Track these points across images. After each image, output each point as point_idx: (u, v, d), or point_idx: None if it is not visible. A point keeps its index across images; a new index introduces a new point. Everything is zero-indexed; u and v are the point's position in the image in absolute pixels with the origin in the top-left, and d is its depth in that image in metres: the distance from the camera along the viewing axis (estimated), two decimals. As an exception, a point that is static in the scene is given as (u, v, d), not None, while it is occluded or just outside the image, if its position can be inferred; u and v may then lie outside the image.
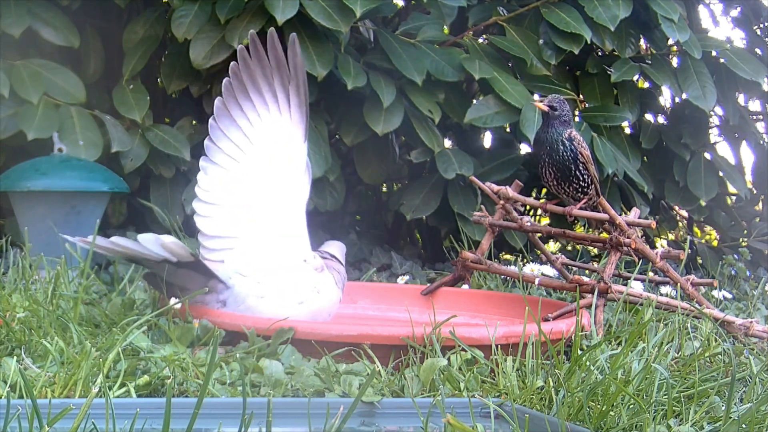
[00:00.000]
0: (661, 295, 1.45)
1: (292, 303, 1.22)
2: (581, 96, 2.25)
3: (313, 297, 1.25)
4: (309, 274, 1.27)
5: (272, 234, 1.27)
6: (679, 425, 0.84)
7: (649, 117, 2.50)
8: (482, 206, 1.57)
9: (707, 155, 2.39)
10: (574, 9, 2.08)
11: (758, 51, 2.59)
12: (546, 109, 1.37)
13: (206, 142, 1.28)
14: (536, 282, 1.46)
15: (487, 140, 2.46)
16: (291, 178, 1.29)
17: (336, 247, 1.35)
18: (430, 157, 2.10)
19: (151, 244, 1.12)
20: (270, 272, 1.24)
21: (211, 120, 1.28)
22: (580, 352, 0.97)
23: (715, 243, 2.71)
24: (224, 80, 1.28)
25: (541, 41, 2.11)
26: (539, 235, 1.54)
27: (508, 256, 2.30)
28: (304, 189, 1.31)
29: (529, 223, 1.47)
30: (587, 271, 1.59)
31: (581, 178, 1.38)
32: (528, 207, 2.17)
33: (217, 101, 1.28)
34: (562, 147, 1.37)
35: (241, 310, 1.20)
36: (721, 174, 2.40)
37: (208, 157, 1.28)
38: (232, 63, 1.28)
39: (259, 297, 1.21)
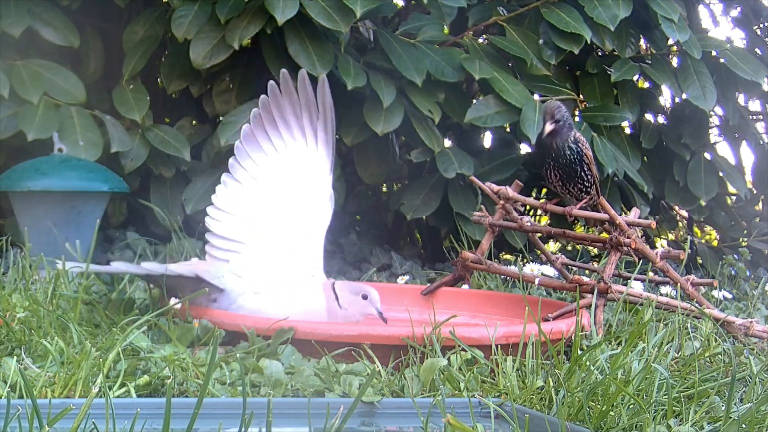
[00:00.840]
0: (661, 295, 1.45)
1: (284, 302, 1.22)
2: (581, 96, 2.25)
3: (308, 299, 1.25)
4: (309, 282, 1.27)
5: (280, 248, 1.29)
6: (679, 425, 0.84)
7: (649, 117, 2.50)
8: (482, 206, 1.57)
9: (707, 155, 2.39)
10: (574, 9, 2.08)
11: (758, 51, 2.59)
12: (551, 128, 1.38)
13: (230, 161, 1.32)
14: (536, 282, 1.46)
15: (487, 140, 2.46)
16: (311, 203, 1.32)
17: (346, 288, 1.31)
18: (430, 157, 2.10)
19: (131, 267, 1.21)
20: (268, 276, 1.25)
21: (237, 142, 1.32)
22: (580, 352, 0.97)
23: (715, 243, 2.71)
24: (253, 110, 1.32)
25: (541, 41, 2.11)
26: (539, 235, 1.54)
27: (508, 256, 2.30)
28: (325, 215, 1.33)
29: (529, 223, 1.47)
30: (587, 271, 1.59)
31: (585, 179, 1.39)
32: (528, 207, 2.17)
33: (245, 127, 1.33)
34: (569, 151, 1.37)
35: (233, 309, 1.20)
36: (721, 174, 2.40)
37: (230, 174, 1.32)
38: (262, 96, 1.32)
39: (251, 294, 1.22)
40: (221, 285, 1.22)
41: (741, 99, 2.59)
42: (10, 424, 0.69)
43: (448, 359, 1.00)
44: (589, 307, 1.26)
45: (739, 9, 2.75)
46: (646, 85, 2.51)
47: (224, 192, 1.31)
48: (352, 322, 1.27)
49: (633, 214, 1.43)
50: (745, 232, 2.59)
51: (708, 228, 2.91)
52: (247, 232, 1.29)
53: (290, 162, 1.33)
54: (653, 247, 1.57)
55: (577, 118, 2.18)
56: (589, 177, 1.40)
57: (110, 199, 1.85)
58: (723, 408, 0.88)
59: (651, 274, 1.57)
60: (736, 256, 2.40)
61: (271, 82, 1.33)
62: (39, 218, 1.68)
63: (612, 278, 1.36)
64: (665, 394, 0.88)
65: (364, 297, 1.28)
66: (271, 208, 1.30)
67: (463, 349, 1.02)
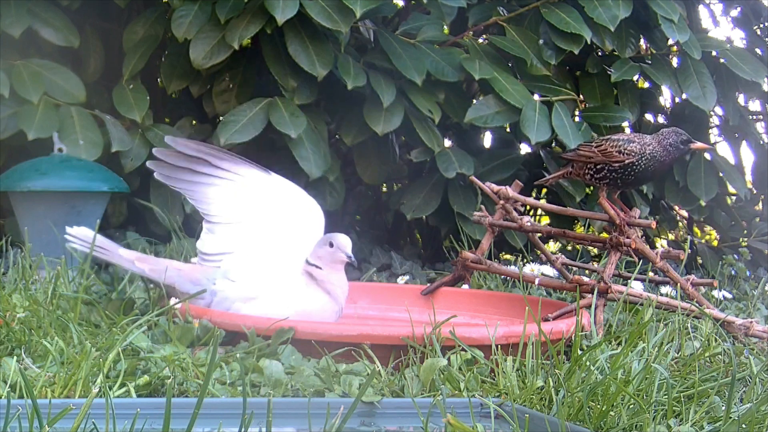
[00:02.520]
0: (661, 295, 1.45)
1: (277, 306, 1.22)
2: (581, 96, 2.25)
3: (305, 299, 1.25)
4: (299, 282, 1.27)
5: (268, 251, 1.29)
6: (679, 425, 0.84)
7: (649, 117, 2.50)
8: (482, 206, 1.57)
9: (707, 155, 2.39)
10: (574, 9, 2.08)
11: (758, 51, 2.58)
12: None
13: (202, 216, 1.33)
14: (536, 282, 1.46)
15: (487, 140, 2.46)
16: (293, 214, 1.33)
17: (315, 251, 1.30)
18: (430, 157, 2.10)
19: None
20: (258, 277, 1.25)
21: (189, 200, 1.33)
22: (580, 352, 0.97)
23: (715, 243, 2.71)
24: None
25: (541, 41, 2.11)
26: (539, 235, 1.54)
27: (508, 256, 2.30)
28: (312, 218, 1.34)
29: (529, 223, 1.47)
30: (587, 271, 1.59)
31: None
32: (528, 207, 2.17)
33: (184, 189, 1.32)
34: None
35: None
36: (721, 174, 2.40)
37: (206, 221, 1.31)
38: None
39: (243, 301, 1.22)
40: (216, 287, 1.23)
41: (741, 99, 2.59)
42: (10, 424, 0.69)
43: (448, 359, 1.00)
44: (589, 307, 1.26)
45: (739, 9, 2.75)
46: (646, 85, 2.51)
47: (209, 237, 1.30)
48: (337, 290, 1.27)
49: (633, 214, 1.43)
50: (745, 232, 2.58)
51: (708, 228, 2.91)
52: (236, 245, 1.29)
53: (251, 187, 1.32)
54: (653, 247, 1.57)
55: (577, 118, 2.18)
56: None
57: (110, 199, 1.85)
58: (723, 408, 0.88)
59: (651, 274, 1.56)
60: (736, 256, 2.40)
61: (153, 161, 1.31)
62: (39, 218, 1.68)
63: (612, 278, 1.36)
64: (665, 394, 0.88)
65: (330, 245, 1.25)
66: (256, 227, 1.30)
67: (463, 349, 1.02)
